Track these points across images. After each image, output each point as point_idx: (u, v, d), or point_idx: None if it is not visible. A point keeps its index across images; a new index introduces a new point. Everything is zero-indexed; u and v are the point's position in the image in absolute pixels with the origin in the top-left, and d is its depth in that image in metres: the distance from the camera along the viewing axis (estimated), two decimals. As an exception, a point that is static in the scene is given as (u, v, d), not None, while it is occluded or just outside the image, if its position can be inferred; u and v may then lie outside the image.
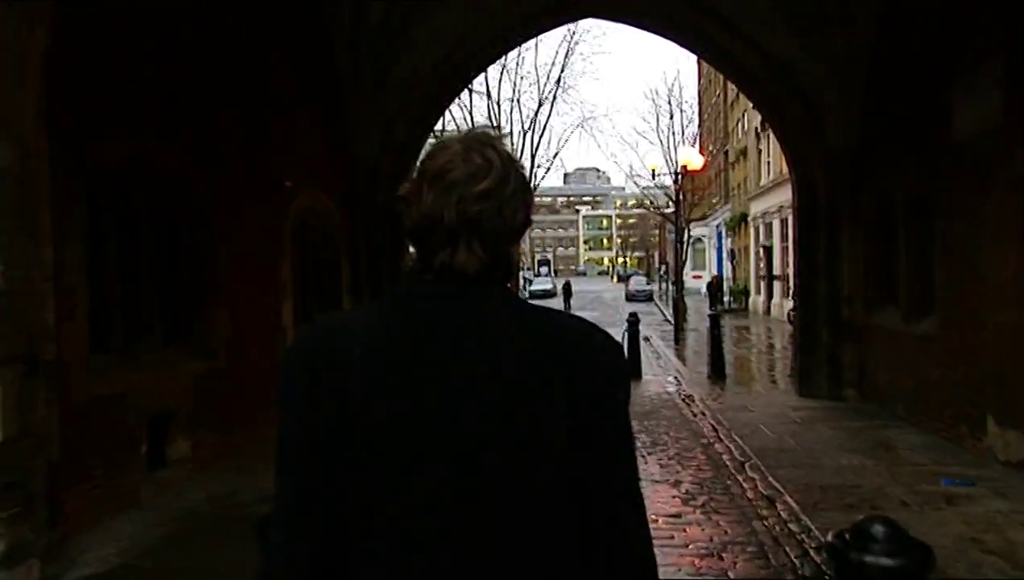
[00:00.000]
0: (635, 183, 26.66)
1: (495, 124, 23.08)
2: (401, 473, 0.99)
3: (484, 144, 1.06)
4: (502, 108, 23.29)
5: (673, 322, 19.66)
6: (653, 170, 18.97)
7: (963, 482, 5.68)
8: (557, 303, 39.60)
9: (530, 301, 1.27)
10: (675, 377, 12.66)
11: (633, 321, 12.73)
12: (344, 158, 9.72)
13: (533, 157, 23.75)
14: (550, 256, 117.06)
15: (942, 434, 7.09)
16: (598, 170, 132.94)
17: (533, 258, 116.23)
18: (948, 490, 5.55)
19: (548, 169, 24.67)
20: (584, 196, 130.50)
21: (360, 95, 9.80)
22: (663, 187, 24.16)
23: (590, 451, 1.03)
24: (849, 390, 9.21)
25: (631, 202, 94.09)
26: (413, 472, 0.98)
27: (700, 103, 36.59)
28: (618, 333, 15.50)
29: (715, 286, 27.49)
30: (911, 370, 7.86)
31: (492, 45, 10.92)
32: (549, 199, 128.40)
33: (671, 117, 23.36)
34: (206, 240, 6.57)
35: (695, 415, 9.02)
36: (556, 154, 25.45)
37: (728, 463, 6.71)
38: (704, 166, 26.72)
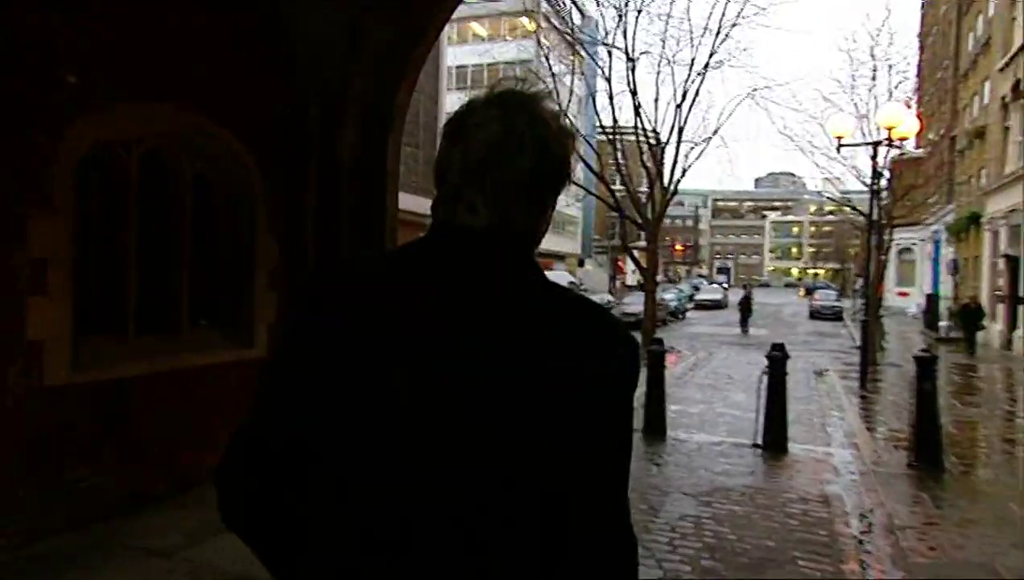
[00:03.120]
0: (829, 181, 20.38)
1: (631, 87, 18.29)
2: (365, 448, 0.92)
3: (505, 95, 0.99)
4: (636, 69, 18.29)
5: (861, 354, 13.87)
6: (839, 140, 13.33)
7: None
8: (727, 316, 33.78)
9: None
10: (849, 457, 7.51)
11: (777, 358, 7.72)
12: (272, 68, 5.95)
13: (680, 133, 18.66)
14: (731, 264, 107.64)
15: None
16: (793, 175, 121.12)
17: (712, 265, 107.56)
18: None
19: (703, 151, 19.32)
20: (774, 200, 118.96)
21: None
22: (855, 173, 17.97)
23: (578, 454, 0.92)
24: None
25: (828, 208, 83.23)
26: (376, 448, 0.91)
27: (920, 76, 28.85)
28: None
29: (972, 309, 19.77)
30: None
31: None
32: (734, 203, 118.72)
33: (874, 75, 16.87)
34: None
35: (871, 587, 4.14)
36: (716, 131, 19.65)
37: None
38: (918, 145, 20.14)
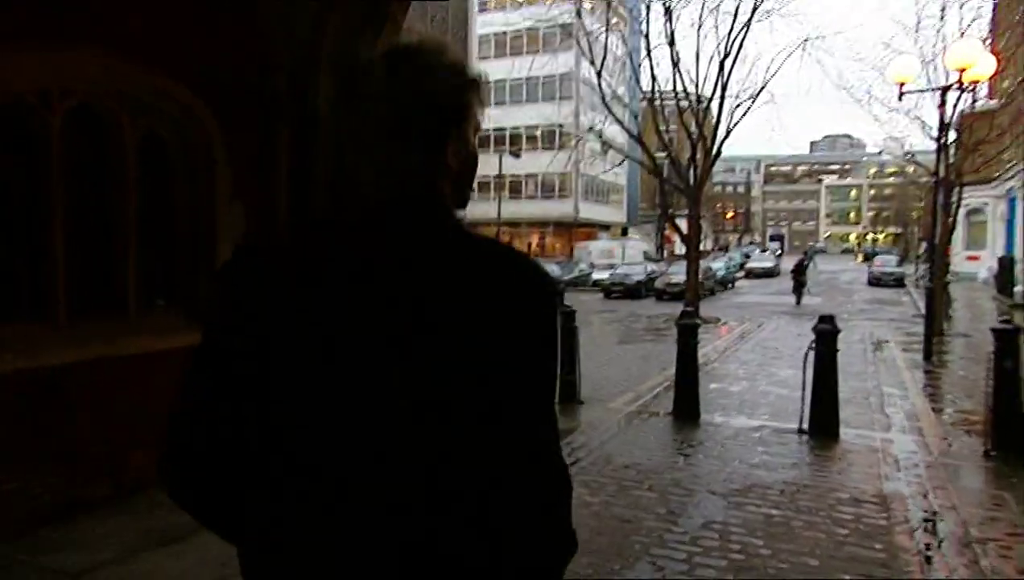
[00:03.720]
0: (892, 139, 18.52)
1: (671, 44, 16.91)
2: (298, 417, 0.95)
3: (389, 52, 0.99)
4: (675, 19, 16.86)
5: (926, 323, 12.56)
6: (901, 86, 11.93)
7: None
8: (779, 285, 32.16)
9: None
10: (912, 445, 6.49)
11: (826, 331, 6.71)
12: (232, 9, 5.20)
13: (724, 89, 17.29)
14: (784, 231, 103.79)
15: None
16: (850, 137, 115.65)
17: (764, 231, 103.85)
18: None
19: (748, 109, 17.90)
20: (830, 164, 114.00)
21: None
22: (919, 123, 16.36)
23: (499, 388, 0.94)
24: None
25: (889, 169, 79.03)
26: (308, 415, 0.95)
27: (995, 13, 26.28)
28: (851, 334, 9.74)
29: None
30: None
31: None
32: (787, 168, 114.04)
33: (943, 14, 14.94)
34: None
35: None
36: (763, 87, 18.16)
37: None
38: (991, 95, 18.35)
